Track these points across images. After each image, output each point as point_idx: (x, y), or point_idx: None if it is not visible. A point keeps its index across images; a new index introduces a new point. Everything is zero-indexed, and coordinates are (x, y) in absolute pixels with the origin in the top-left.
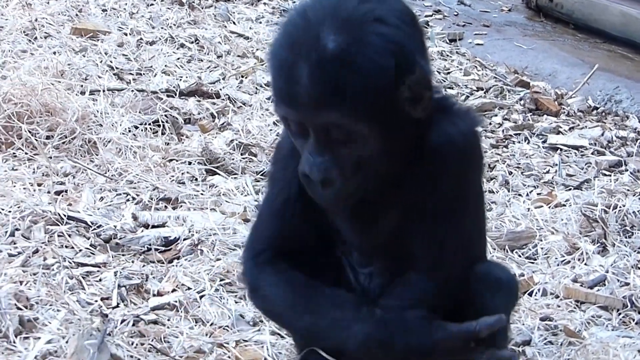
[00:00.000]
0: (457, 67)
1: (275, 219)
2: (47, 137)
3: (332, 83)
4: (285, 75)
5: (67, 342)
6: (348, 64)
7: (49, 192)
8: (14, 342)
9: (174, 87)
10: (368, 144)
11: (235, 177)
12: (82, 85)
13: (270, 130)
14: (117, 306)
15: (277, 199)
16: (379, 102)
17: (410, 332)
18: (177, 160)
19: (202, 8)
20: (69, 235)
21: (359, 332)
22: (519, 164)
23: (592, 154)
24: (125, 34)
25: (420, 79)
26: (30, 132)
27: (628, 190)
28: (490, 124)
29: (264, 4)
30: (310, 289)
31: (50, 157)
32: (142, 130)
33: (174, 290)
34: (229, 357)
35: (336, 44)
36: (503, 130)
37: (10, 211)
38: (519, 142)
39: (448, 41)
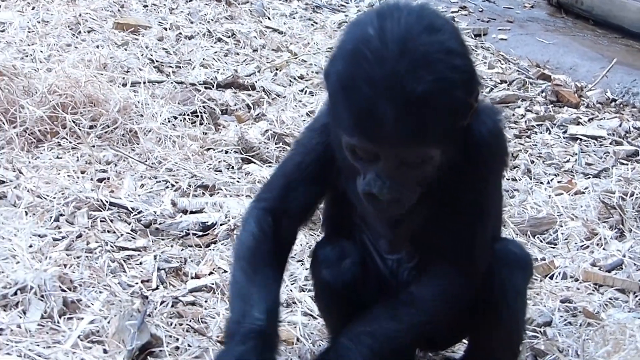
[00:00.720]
0: (482, 60)
1: (286, 176)
2: (90, 127)
3: (418, 123)
4: (365, 112)
5: (108, 322)
6: (433, 105)
7: (91, 180)
8: (58, 322)
9: (211, 79)
10: (436, 162)
11: (269, 166)
12: (123, 78)
13: (303, 120)
14: (157, 288)
15: (294, 159)
16: (452, 127)
17: None
18: (214, 149)
19: (239, 4)
20: (111, 221)
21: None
22: (541, 153)
23: (610, 144)
24: (165, 29)
25: (477, 95)
26: (74, 122)
27: None
28: (513, 115)
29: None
30: (252, 261)
31: (93, 146)
32: (180, 120)
33: (211, 273)
34: None
35: (420, 86)
36: (525, 121)
37: (54, 197)
38: (541, 132)
39: (473, 36)
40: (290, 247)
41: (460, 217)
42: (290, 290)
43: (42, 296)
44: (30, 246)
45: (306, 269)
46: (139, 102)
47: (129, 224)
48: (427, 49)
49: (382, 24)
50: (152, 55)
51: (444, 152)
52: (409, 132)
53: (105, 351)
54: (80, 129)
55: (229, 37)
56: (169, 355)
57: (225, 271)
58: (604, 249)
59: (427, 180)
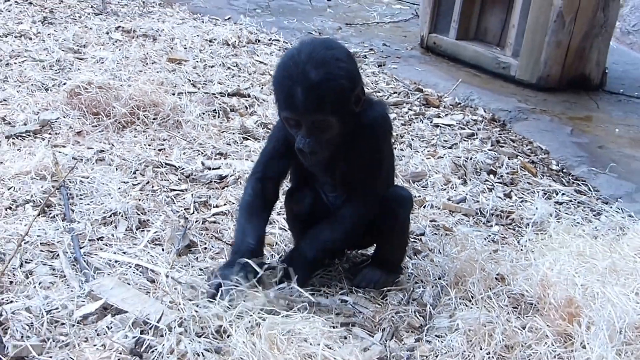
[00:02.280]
0: (382, 80)
1: (266, 156)
2: (153, 119)
3: (317, 99)
4: (286, 94)
5: (164, 233)
6: (325, 88)
7: (154, 149)
8: (135, 233)
9: (224, 91)
10: (334, 129)
11: (258, 141)
12: (173, 90)
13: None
14: (193, 213)
15: (269, 146)
16: (342, 106)
17: None
18: (226, 132)
19: (240, 47)
20: (166, 174)
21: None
22: (417, 134)
23: (458, 129)
24: (197, 61)
25: (360, 91)
26: (144, 116)
27: (477, 149)
28: (400, 112)
29: (275, 44)
30: (249, 210)
31: (155, 130)
32: (207, 115)
33: (225, 204)
34: None
35: (316, 76)
36: (408, 116)
37: (133, 160)
38: (417, 122)
39: (377, 65)
40: (275, 199)
41: (366, 168)
42: (272, 215)
43: (126, 217)
44: (119, 188)
45: (281, 202)
46: (182, 104)
47: (177, 175)
48: (323, 57)
49: (300, 47)
50: (190, 77)
51: (341, 122)
52: (312, 105)
53: (162, 249)
54: (147, 120)
55: (235, 66)
56: (201, 252)
57: (233, 203)
58: (455, 190)
59: (333, 140)
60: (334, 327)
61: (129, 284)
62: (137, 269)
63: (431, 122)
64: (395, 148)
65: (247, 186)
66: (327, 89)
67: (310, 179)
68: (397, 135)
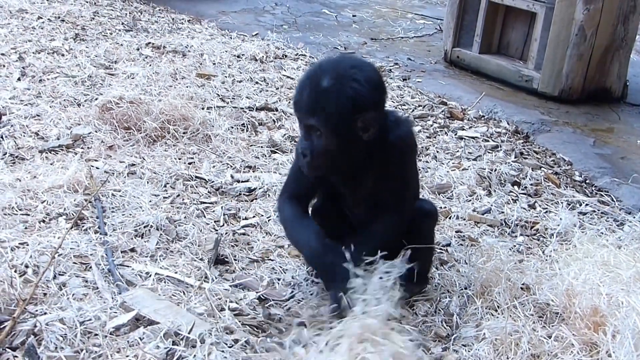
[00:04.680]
0: (407, 93)
1: (293, 175)
2: (183, 133)
3: (317, 102)
4: (298, 94)
5: (196, 245)
6: (327, 96)
7: (185, 163)
8: (167, 244)
9: (252, 105)
10: (328, 142)
11: (286, 154)
12: (202, 104)
13: None
14: (223, 225)
15: (295, 166)
16: (340, 122)
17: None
18: (254, 145)
19: (268, 62)
20: (196, 187)
21: (307, 250)
22: (442, 147)
23: (482, 141)
24: (226, 76)
25: (369, 119)
26: (174, 130)
27: (502, 161)
28: (425, 124)
29: (302, 59)
30: (298, 220)
31: (185, 144)
32: (235, 129)
33: (254, 217)
34: (284, 253)
35: (326, 84)
36: (433, 128)
37: (164, 173)
38: (442, 135)
39: (402, 79)
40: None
41: (392, 187)
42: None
43: (157, 229)
44: (150, 201)
45: None
46: (212, 118)
47: (206, 188)
48: (343, 71)
49: (334, 57)
50: (218, 92)
51: (337, 138)
52: (309, 108)
53: (194, 259)
54: (177, 134)
55: (262, 81)
56: (233, 263)
57: (262, 215)
58: (479, 201)
59: (330, 154)
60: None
61: (161, 295)
62: (170, 281)
63: (455, 134)
64: (421, 160)
65: (280, 205)
66: (329, 100)
67: (336, 197)
68: (422, 147)
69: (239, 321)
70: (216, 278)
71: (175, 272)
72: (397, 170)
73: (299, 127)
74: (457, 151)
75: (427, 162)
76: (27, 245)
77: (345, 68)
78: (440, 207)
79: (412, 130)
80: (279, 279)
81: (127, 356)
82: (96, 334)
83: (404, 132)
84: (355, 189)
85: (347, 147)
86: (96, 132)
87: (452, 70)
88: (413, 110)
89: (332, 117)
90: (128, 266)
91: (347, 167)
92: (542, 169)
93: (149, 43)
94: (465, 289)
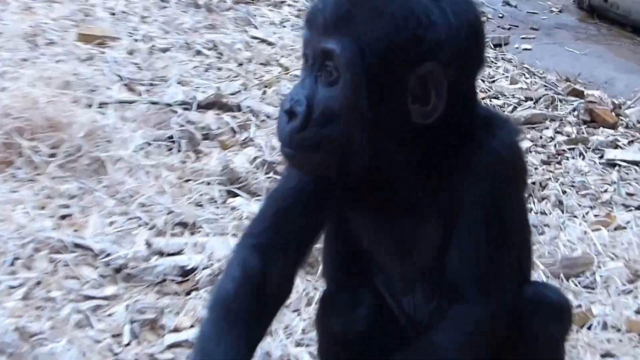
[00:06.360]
0: (503, 74)
1: (276, 204)
2: (51, 155)
3: (346, 11)
4: (316, 4)
5: None
6: (376, 3)
7: (52, 217)
8: None
9: (190, 98)
10: (346, 96)
11: (258, 199)
12: (89, 98)
13: None
14: (129, 344)
15: (285, 185)
16: (377, 59)
17: None
18: (194, 181)
19: (221, 11)
20: (75, 265)
21: None
22: (574, 181)
23: None
24: (136, 40)
25: (434, 77)
26: (32, 149)
27: None
28: (540, 137)
29: (289, 5)
30: (225, 312)
31: (54, 178)
32: (155, 147)
33: (192, 326)
34: None
35: None
36: (555, 145)
37: (10, 238)
38: (573, 157)
39: (492, 46)
40: (286, 293)
41: (480, 244)
42: (285, 345)
43: None
44: None
45: (304, 320)
46: (106, 125)
47: (96, 268)
48: None
49: None
50: (121, 71)
51: (364, 101)
52: (335, 16)
53: None
54: (39, 158)
55: (210, 49)
56: None
57: None
58: None
59: (335, 124)
60: None
61: None
62: None
63: (601, 156)
64: (531, 210)
65: (231, 261)
66: (377, 9)
67: (368, 267)
68: (532, 182)
69: None
70: None
71: None
72: (489, 212)
73: (304, 67)
74: (605, 190)
75: (542, 212)
76: None
77: None
78: (571, 304)
79: (518, 142)
80: None
81: None
82: None
83: (504, 142)
84: (411, 247)
85: (377, 127)
86: None
87: (593, 26)
88: (514, 108)
89: (367, 39)
90: None
91: (378, 173)
92: None
93: None
94: None
